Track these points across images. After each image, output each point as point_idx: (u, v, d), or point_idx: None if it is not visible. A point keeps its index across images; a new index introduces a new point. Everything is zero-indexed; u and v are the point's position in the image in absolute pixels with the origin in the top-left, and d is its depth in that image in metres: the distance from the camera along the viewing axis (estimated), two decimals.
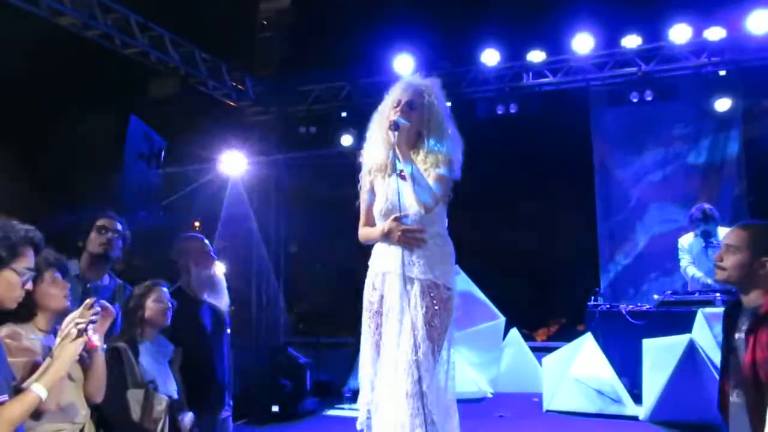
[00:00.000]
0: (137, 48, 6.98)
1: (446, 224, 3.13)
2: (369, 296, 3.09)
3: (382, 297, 3.02)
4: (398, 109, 3.08)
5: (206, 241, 4.24)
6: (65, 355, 2.49)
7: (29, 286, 2.51)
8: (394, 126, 2.97)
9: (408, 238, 2.95)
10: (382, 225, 3.05)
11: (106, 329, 2.86)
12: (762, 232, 2.93)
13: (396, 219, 2.97)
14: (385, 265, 3.03)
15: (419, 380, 2.80)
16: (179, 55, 7.45)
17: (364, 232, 3.17)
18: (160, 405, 3.29)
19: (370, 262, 3.14)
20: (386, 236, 3.00)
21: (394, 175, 3.01)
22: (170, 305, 3.61)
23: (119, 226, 3.72)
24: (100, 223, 3.65)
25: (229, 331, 4.37)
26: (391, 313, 2.95)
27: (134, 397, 3.27)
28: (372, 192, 3.18)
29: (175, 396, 3.51)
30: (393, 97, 3.17)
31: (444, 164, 3.04)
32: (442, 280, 2.99)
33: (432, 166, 3.03)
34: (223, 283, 4.22)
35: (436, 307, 2.94)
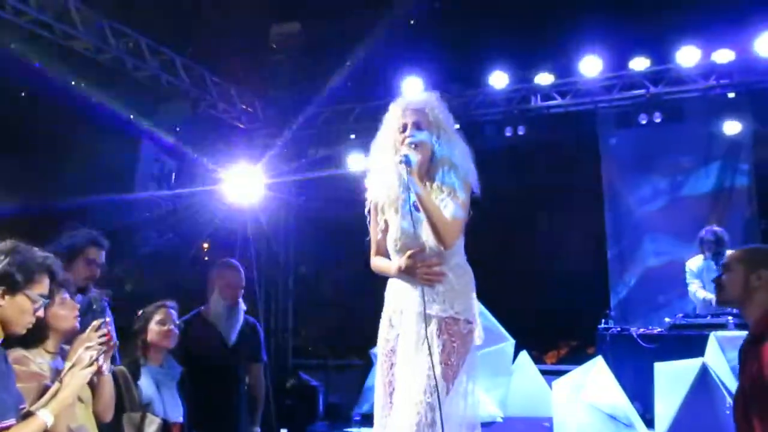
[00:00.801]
0: (148, 71, 7.07)
1: (463, 251, 2.96)
2: (385, 334, 2.92)
3: (398, 336, 2.85)
4: (406, 135, 2.87)
5: (241, 275, 4.21)
6: (74, 382, 2.50)
7: (41, 313, 2.52)
8: (406, 162, 2.75)
9: (427, 275, 2.78)
10: (397, 261, 2.87)
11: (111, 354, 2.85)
12: (756, 249, 3.04)
13: (412, 255, 2.80)
14: (401, 302, 2.86)
15: (432, 423, 2.63)
16: (190, 78, 7.53)
17: (377, 264, 3.00)
18: (151, 427, 3.27)
19: (386, 297, 2.97)
20: (402, 273, 2.83)
21: (407, 207, 2.81)
22: (174, 327, 3.56)
23: (103, 257, 3.56)
24: (90, 255, 3.49)
25: (264, 357, 4.35)
26: (404, 354, 2.78)
27: (130, 420, 3.25)
28: (385, 230, 2.98)
29: (180, 420, 3.48)
30: (395, 121, 2.95)
31: (462, 189, 2.86)
32: (463, 315, 2.82)
33: (449, 194, 2.86)
34: (239, 320, 4.18)
35: (454, 344, 2.78)
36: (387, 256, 2.99)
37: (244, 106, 8.49)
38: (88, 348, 2.54)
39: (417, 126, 2.89)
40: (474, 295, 2.92)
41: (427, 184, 2.88)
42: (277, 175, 8.89)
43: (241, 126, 8.75)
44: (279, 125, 8.82)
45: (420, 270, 2.78)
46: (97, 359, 2.54)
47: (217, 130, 8.87)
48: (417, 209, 2.78)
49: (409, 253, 2.81)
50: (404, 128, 2.90)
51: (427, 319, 2.73)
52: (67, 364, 2.55)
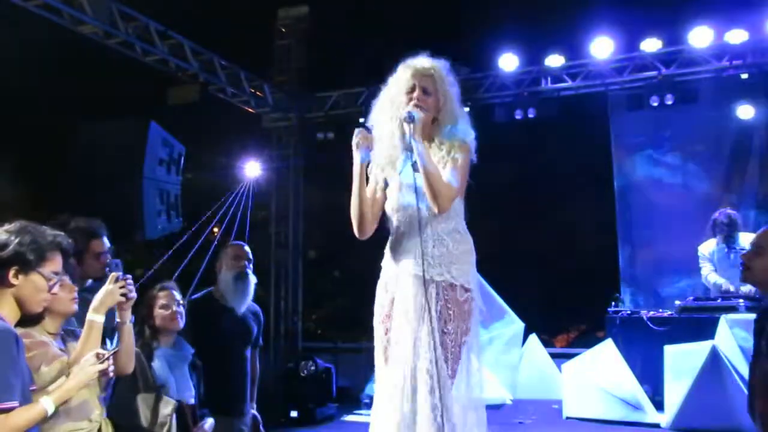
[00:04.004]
0: (157, 56, 7.06)
1: (464, 219, 2.93)
2: (380, 299, 2.90)
3: (393, 299, 2.82)
4: (414, 96, 2.87)
5: (246, 248, 4.21)
6: (82, 376, 2.53)
7: (56, 290, 2.56)
8: (410, 118, 2.76)
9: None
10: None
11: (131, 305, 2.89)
12: None
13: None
14: (398, 266, 2.83)
15: (432, 390, 2.62)
16: (198, 62, 7.52)
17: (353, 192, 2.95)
18: (167, 408, 3.29)
19: (383, 263, 2.95)
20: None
21: (407, 167, 2.82)
22: (179, 308, 3.57)
23: (107, 242, 3.54)
24: (96, 249, 3.47)
25: (261, 342, 4.37)
26: (404, 317, 2.73)
27: (145, 401, 3.27)
28: (384, 188, 2.96)
29: (192, 401, 3.50)
30: (403, 83, 2.93)
31: (461, 151, 2.85)
32: (460, 281, 2.79)
33: (448, 154, 2.85)
34: (251, 293, 4.19)
35: (450, 311, 2.74)
36: (380, 218, 2.97)
37: (252, 90, 8.48)
38: (100, 357, 2.58)
39: (424, 90, 2.89)
40: (473, 263, 2.90)
41: (427, 144, 2.88)
42: (286, 158, 8.90)
43: (250, 110, 8.75)
44: (288, 109, 8.82)
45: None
46: (107, 359, 2.57)
47: (226, 114, 8.88)
48: (416, 169, 2.76)
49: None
50: (412, 89, 2.90)
51: (426, 283, 2.72)
52: (82, 362, 2.57)
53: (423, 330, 2.69)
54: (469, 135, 2.92)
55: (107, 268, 3.49)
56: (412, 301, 2.74)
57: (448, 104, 2.92)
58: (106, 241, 3.51)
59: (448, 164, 2.82)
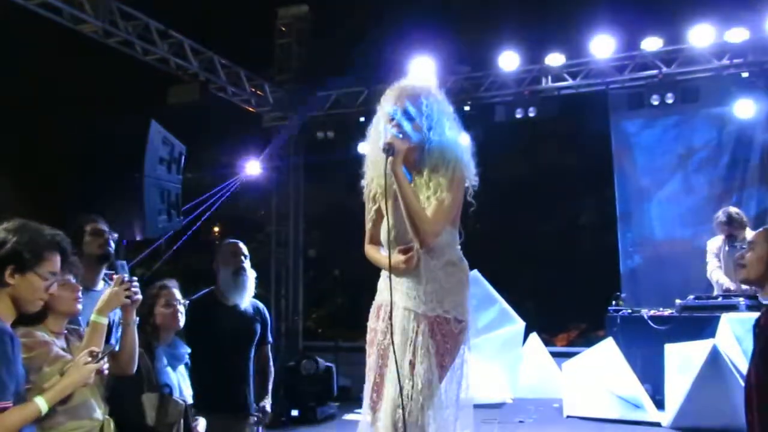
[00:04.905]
0: (157, 54, 7.07)
1: (458, 248, 2.82)
2: (371, 323, 2.83)
3: (385, 328, 2.73)
4: (393, 124, 2.72)
5: (241, 245, 4.22)
6: (76, 376, 2.52)
7: (53, 290, 2.54)
8: (389, 151, 2.61)
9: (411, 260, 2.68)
10: (388, 255, 2.72)
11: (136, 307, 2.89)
12: None
13: (405, 251, 2.69)
14: (389, 296, 2.74)
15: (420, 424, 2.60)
16: (199, 61, 7.52)
17: (369, 254, 2.90)
18: (176, 409, 3.28)
19: (379, 285, 2.88)
20: (393, 270, 2.71)
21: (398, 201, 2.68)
22: (179, 307, 3.57)
23: (105, 225, 3.56)
24: (90, 227, 3.48)
25: (271, 339, 4.37)
26: (397, 351, 2.66)
27: (149, 401, 3.26)
28: (376, 220, 2.87)
29: (190, 400, 3.50)
30: (386, 109, 2.79)
31: (448, 189, 2.70)
32: (453, 314, 2.71)
33: (434, 192, 2.71)
34: (250, 288, 4.18)
35: (447, 346, 2.68)
36: (380, 244, 2.89)
37: (253, 89, 8.48)
38: (92, 353, 2.57)
39: (407, 115, 2.73)
40: (467, 293, 2.81)
41: (415, 177, 2.78)
42: (286, 157, 8.91)
43: (250, 109, 8.75)
44: (288, 108, 8.81)
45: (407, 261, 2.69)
46: (102, 358, 2.56)
47: (226, 113, 8.88)
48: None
49: (401, 248, 2.70)
50: (393, 117, 2.75)
51: (415, 317, 2.67)
52: (77, 358, 2.56)
53: (406, 360, 2.65)
54: (465, 167, 2.80)
55: (109, 248, 3.51)
56: (400, 337, 2.69)
57: (436, 128, 2.78)
58: (102, 222, 3.52)
59: (434, 204, 2.70)
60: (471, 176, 2.83)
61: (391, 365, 2.66)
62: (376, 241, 2.90)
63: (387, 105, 2.80)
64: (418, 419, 2.61)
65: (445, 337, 2.69)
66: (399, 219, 2.71)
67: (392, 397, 2.64)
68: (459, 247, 2.83)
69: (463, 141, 2.91)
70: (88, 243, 3.43)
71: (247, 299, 4.13)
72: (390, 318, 2.71)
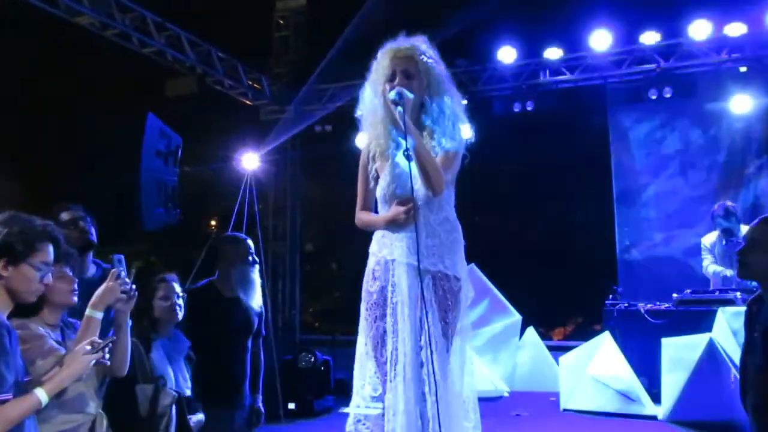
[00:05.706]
0: (154, 47, 7.03)
1: (454, 207, 2.84)
2: (368, 286, 2.80)
3: (382, 288, 2.73)
4: (396, 83, 2.73)
5: (249, 243, 4.21)
6: (76, 366, 2.50)
7: (48, 280, 2.52)
8: (399, 98, 2.63)
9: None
10: (387, 212, 2.76)
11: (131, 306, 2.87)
12: None
13: (405, 203, 2.69)
14: (389, 253, 2.74)
15: (429, 381, 2.60)
16: (196, 54, 7.49)
17: (364, 218, 2.89)
18: (166, 400, 3.28)
19: (371, 249, 2.84)
20: (392, 224, 2.73)
21: (399, 155, 2.71)
22: (177, 301, 3.56)
23: (82, 212, 3.49)
24: (65, 218, 3.40)
25: (263, 332, 4.37)
26: (401, 307, 2.67)
27: (143, 392, 3.26)
28: (376, 179, 2.86)
29: (188, 393, 3.50)
30: (382, 69, 2.81)
31: (451, 137, 2.76)
32: (452, 271, 2.72)
33: (438, 141, 2.76)
34: (258, 285, 4.19)
35: (449, 302, 2.70)
36: (374, 210, 2.90)
37: (250, 82, 8.45)
38: (93, 344, 2.56)
39: (406, 74, 2.76)
40: (462, 252, 2.82)
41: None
42: (284, 151, 8.89)
43: (248, 102, 8.72)
44: (285, 101, 8.79)
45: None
46: (102, 349, 2.55)
47: (223, 106, 8.85)
48: (409, 157, 2.62)
49: (400, 201, 2.72)
50: (393, 76, 2.77)
51: (421, 273, 2.64)
52: (77, 349, 2.55)
53: (419, 321, 2.65)
54: (462, 122, 2.84)
55: (89, 236, 3.47)
56: (407, 292, 2.68)
57: (434, 84, 2.80)
58: (79, 212, 3.47)
59: (441, 154, 2.74)
60: (468, 131, 2.88)
61: (402, 319, 2.66)
62: (369, 207, 2.91)
63: (381, 68, 2.83)
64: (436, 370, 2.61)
65: (446, 293, 2.71)
66: (398, 175, 2.74)
67: (411, 347, 2.63)
68: (454, 207, 2.85)
69: (458, 97, 2.91)
70: (67, 236, 3.37)
71: (257, 298, 4.14)
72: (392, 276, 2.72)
